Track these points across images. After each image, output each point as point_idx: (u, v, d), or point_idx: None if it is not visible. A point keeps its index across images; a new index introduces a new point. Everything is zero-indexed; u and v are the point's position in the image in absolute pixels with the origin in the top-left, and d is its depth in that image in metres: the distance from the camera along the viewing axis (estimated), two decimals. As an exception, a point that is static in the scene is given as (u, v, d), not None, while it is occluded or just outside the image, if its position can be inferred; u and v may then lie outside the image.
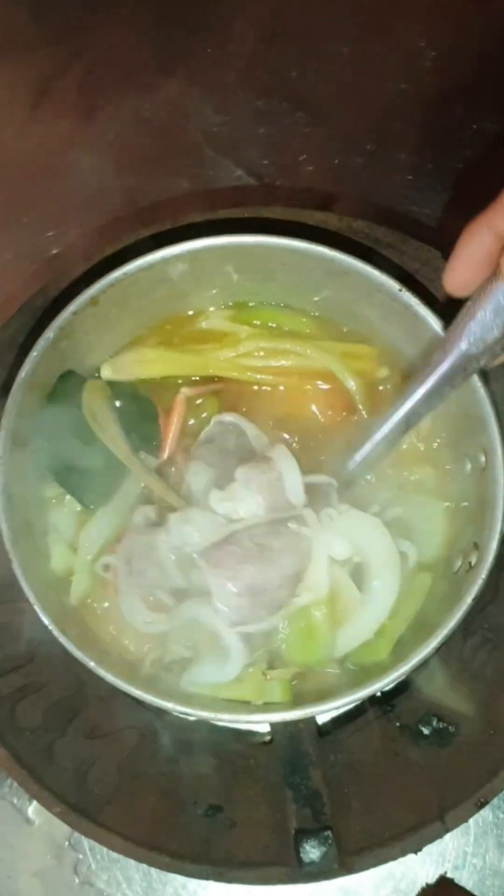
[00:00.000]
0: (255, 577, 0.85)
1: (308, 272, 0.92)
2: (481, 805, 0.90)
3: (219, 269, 0.93)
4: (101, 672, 0.83)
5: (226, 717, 0.84)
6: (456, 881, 1.01)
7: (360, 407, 0.97)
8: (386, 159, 1.20)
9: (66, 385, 0.94)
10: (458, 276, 0.75)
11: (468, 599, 0.83)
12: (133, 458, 0.92)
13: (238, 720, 0.84)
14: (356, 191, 1.19)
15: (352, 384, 0.96)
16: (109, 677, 0.83)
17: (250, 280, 0.96)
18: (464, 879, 1.01)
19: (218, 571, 0.85)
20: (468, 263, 0.73)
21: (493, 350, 0.77)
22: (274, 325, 0.99)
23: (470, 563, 0.87)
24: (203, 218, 1.02)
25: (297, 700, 0.88)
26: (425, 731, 0.97)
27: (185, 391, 0.96)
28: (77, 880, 1.02)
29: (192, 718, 0.93)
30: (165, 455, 0.97)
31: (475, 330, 0.76)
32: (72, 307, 0.88)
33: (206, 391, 0.98)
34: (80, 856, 1.02)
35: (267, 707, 0.87)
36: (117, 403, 0.95)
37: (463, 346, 0.77)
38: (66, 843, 1.03)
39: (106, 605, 0.94)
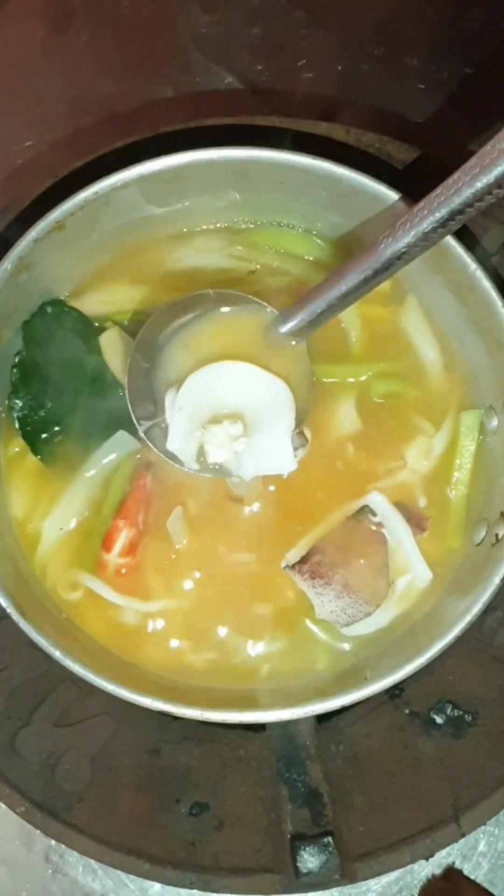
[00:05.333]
0: (348, 576, 0.85)
1: (311, 193, 0.85)
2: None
3: (206, 188, 0.87)
4: (68, 663, 0.77)
5: (212, 715, 0.77)
6: (464, 872, 0.97)
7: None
8: (395, 66, 1.13)
9: (47, 318, 0.89)
10: None
11: (496, 579, 0.77)
12: None
13: (227, 719, 0.76)
14: (362, 101, 1.12)
15: (353, 336, 0.90)
16: (77, 668, 0.77)
17: (243, 202, 0.90)
18: (473, 870, 0.97)
19: (313, 583, 0.85)
20: None
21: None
22: (276, 250, 0.93)
23: (497, 535, 0.80)
24: (187, 126, 0.99)
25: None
26: (438, 719, 0.92)
27: None
28: (49, 869, 0.98)
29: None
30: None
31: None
32: (33, 233, 0.81)
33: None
34: (52, 843, 0.97)
35: (257, 703, 0.82)
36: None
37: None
38: (37, 829, 0.96)
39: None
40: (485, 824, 0.87)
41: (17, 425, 0.87)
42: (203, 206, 0.89)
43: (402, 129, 1.08)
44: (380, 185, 0.80)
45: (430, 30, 1.14)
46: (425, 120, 1.11)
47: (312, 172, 0.81)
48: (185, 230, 0.93)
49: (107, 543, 0.86)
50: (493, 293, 0.79)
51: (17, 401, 0.86)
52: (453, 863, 0.96)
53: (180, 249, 0.92)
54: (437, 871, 0.96)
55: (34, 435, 0.87)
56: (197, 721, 0.89)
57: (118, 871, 0.95)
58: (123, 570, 0.86)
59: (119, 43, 1.14)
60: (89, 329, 0.89)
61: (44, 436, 0.87)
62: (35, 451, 0.87)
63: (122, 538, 0.86)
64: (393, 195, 0.80)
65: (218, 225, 0.93)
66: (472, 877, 0.96)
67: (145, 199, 0.85)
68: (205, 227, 0.93)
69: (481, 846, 0.96)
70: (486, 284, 0.79)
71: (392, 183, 0.81)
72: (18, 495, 0.88)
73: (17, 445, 0.88)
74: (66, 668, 0.77)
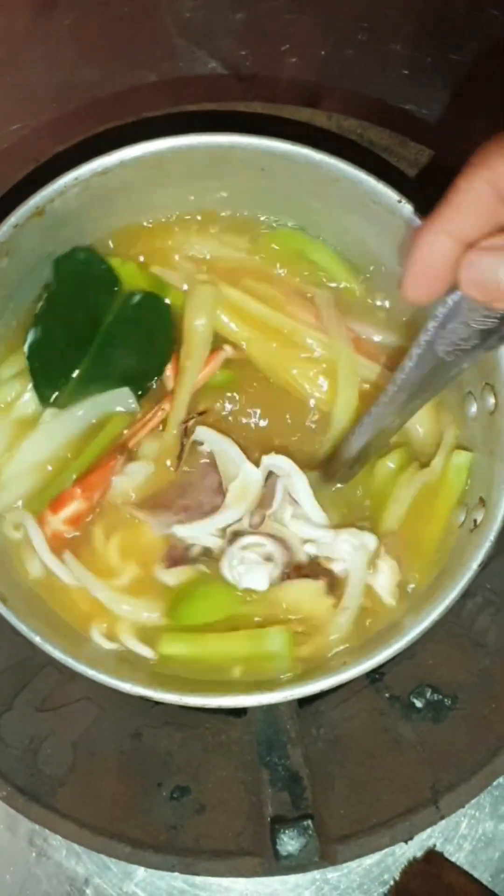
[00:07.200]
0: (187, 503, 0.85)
1: (292, 179, 0.83)
2: (482, 788, 0.87)
3: (188, 173, 0.85)
4: (48, 648, 0.76)
5: (191, 699, 0.76)
6: (446, 854, 0.97)
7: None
8: (379, 51, 1.13)
9: (77, 263, 0.87)
10: (418, 287, 0.67)
11: (473, 565, 0.76)
12: None
13: (206, 703, 0.76)
14: (346, 87, 1.12)
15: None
16: (57, 654, 0.76)
17: (225, 187, 0.88)
18: (454, 852, 0.97)
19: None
20: (427, 273, 0.65)
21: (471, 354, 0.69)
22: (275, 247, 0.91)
23: (475, 520, 0.80)
24: (170, 112, 0.97)
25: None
26: (418, 703, 0.91)
27: (228, 349, 0.87)
28: (33, 853, 0.98)
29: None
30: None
31: (445, 335, 0.67)
32: (12, 219, 0.79)
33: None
34: (37, 826, 0.96)
35: (240, 687, 0.80)
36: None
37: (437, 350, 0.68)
38: (20, 814, 0.96)
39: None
40: (464, 807, 0.87)
41: (26, 353, 0.85)
42: (185, 191, 0.88)
43: (385, 115, 1.08)
44: (359, 172, 0.79)
45: (414, 16, 1.13)
46: (408, 106, 1.10)
47: (292, 158, 0.80)
48: (173, 215, 0.91)
49: (56, 504, 0.83)
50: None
51: (35, 332, 0.85)
52: (434, 845, 0.96)
53: (166, 234, 0.90)
54: (419, 854, 0.96)
55: (40, 371, 0.85)
56: (178, 706, 0.88)
57: (101, 855, 0.95)
58: (67, 535, 0.84)
59: (103, 28, 1.14)
60: (115, 283, 0.87)
61: (48, 373, 0.85)
62: (36, 387, 0.85)
63: (73, 507, 0.83)
64: (373, 181, 0.79)
65: (198, 214, 0.91)
66: (453, 859, 0.96)
67: (127, 184, 0.83)
68: (186, 214, 0.91)
69: (462, 828, 0.96)
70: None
71: (373, 170, 0.79)
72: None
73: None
74: (48, 654, 0.76)
